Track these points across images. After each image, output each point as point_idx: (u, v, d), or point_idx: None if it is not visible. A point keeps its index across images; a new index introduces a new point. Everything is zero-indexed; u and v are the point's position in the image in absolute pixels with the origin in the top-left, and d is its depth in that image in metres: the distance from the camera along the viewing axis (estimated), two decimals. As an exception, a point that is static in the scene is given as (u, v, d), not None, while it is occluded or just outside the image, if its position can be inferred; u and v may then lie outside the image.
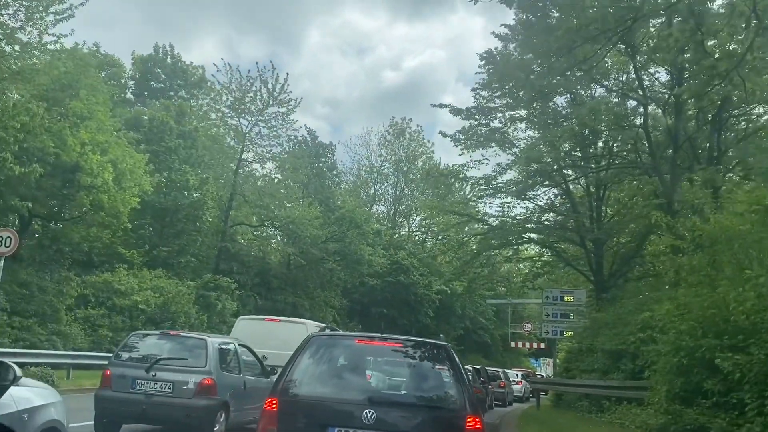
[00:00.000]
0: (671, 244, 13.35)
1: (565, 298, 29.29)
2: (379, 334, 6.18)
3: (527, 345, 60.30)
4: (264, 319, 15.07)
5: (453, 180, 26.15)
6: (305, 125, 69.70)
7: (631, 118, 20.17)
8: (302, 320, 15.22)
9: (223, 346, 10.47)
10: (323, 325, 16.32)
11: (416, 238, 61.43)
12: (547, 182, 24.06)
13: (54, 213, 24.06)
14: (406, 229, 63.10)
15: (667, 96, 18.63)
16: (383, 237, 50.89)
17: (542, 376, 48.71)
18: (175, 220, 31.33)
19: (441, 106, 24.11)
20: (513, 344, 57.78)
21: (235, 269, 35.97)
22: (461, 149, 26.01)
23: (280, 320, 14.79)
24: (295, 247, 39.84)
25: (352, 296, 46.90)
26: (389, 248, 50.02)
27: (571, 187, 26.37)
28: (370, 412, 5.26)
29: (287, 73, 38.95)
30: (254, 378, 11.21)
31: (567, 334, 29.32)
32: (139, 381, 9.39)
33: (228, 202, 36.54)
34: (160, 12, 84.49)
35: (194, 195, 30.67)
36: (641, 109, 19.27)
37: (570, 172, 24.86)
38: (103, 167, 21.60)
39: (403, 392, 5.90)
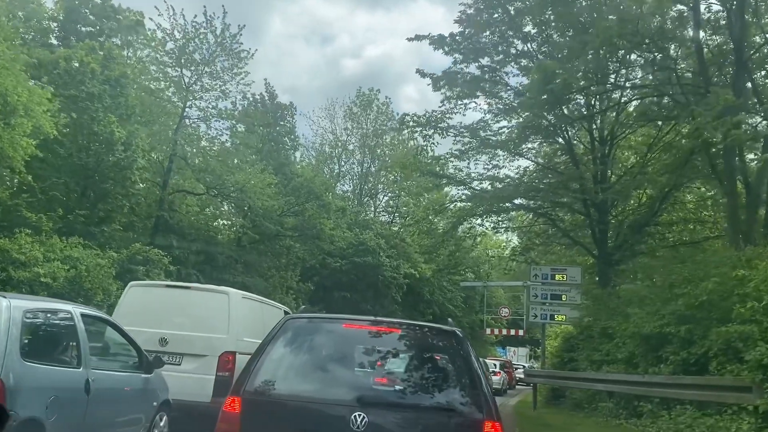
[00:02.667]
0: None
1: (557, 277, 25.21)
2: (372, 317, 5.45)
3: (496, 332, 56.52)
4: (166, 286, 11.07)
5: (432, 131, 21.61)
6: (265, 79, 64.62)
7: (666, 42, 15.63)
8: (223, 288, 10.90)
9: (37, 316, 5.91)
10: (252, 295, 11.73)
11: (383, 218, 57.25)
12: (555, 119, 19.58)
13: None
14: (373, 209, 58.75)
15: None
16: (348, 215, 46.60)
17: (525, 367, 44.98)
18: (98, 181, 26.18)
19: (419, 38, 19.37)
20: (489, 331, 53.85)
21: (174, 243, 31.08)
22: (442, 99, 21.64)
23: (190, 287, 10.69)
24: (246, 219, 35.08)
25: (313, 278, 42.44)
26: (354, 228, 45.83)
27: (573, 140, 22.06)
28: (360, 415, 4.27)
29: (243, 25, 33.51)
30: (117, 374, 7.16)
31: (559, 318, 25.32)
32: None
33: (167, 165, 31.52)
34: None
35: (121, 151, 25.52)
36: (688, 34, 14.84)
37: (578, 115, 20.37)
38: (-21, 95, 16.56)
39: (403, 391, 4.79)
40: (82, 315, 6.54)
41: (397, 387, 4.85)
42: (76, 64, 25.70)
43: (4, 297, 5.52)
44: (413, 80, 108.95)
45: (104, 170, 25.97)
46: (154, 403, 7.72)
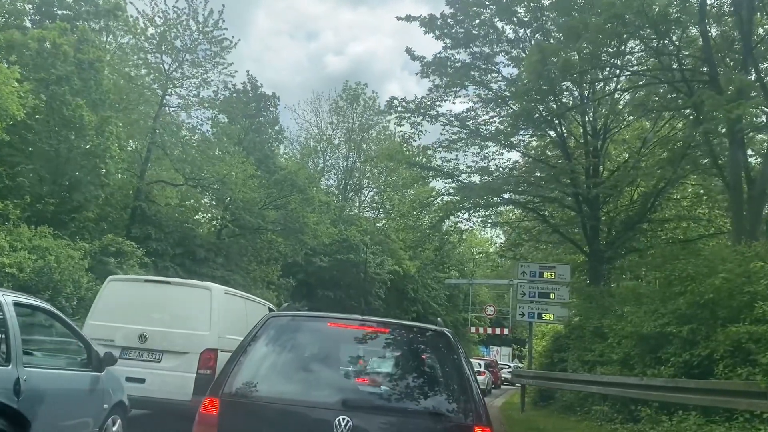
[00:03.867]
0: None
1: (545, 275, 24.47)
2: (359, 317, 4.98)
3: (480, 330, 55.88)
4: (145, 281, 10.75)
5: (421, 118, 20.81)
6: (248, 71, 63.66)
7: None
8: (205, 283, 10.44)
9: None
10: (235, 291, 11.34)
11: (368, 214, 56.43)
12: (547, 111, 18.82)
13: None
14: (358, 204, 57.89)
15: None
16: (332, 210, 45.73)
17: (511, 366, 44.42)
18: (69, 169, 25.08)
19: (409, 18, 18.50)
20: (474, 330, 53.18)
21: (152, 235, 30.06)
22: (430, 87, 20.85)
23: (170, 282, 10.38)
24: (226, 212, 34.12)
25: (296, 275, 41.53)
26: (339, 224, 44.98)
27: (564, 134, 21.31)
28: (344, 419, 4.06)
29: (223, 5, 32.44)
30: (58, 373, 6.27)
31: (546, 316, 24.61)
32: None
33: (145, 155, 30.51)
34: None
35: (92, 136, 24.43)
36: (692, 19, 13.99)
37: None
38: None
39: (389, 394, 4.53)
40: (15, 304, 5.60)
41: (384, 390, 4.59)
42: (48, 45, 24.58)
43: None
44: (396, 78, 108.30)
45: (76, 157, 24.91)
46: (105, 406, 6.90)
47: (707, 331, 10.48)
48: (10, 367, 5.27)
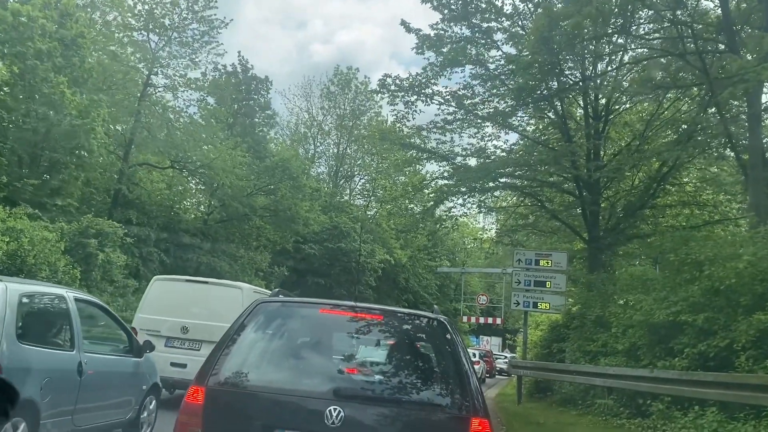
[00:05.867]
0: None
1: (542, 262, 23.63)
2: (352, 303, 4.82)
3: (473, 320, 55.19)
4: (186, 281, 12.41)
5: (415, 98, 19.87)
6: (239, 51, 62.46)
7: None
8: (236, 283, 12.39)
9: (32, 299, 6.20)
10: (261, 289, 12.89)
11: (359, 202, 55.55)
12: (549, 91, 17.91)
13: None
14: (348, 192, 56.91)
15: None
16: (323, 197, 44.85)
17: (507, 357, 43.75)
18: (49, 148, 24.03)
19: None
20: (466, 319, 52.50)
21: (135, 219, 29.07)
22: (425, 66, 19.93)
23: (207, 282, 12.05)
24: (213, 198, 33.18)
25: (286, 263, 40.65)
26: (329, 211, 44.12)
27: (565, 115, 20.41)
28: (335, 409, 3.88)
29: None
30: (108, 358, 7.32)
31: (542, 305, 23.81)
32: None
33: (129, 136, 29.47)
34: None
35: (75, 116, 23.36)
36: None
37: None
38: None
39: (383, 383, 4.31)
40: (75, 299, 6.71)
41: (378, 379, 4.40)
42: (24, 19, 23.46)
43: (0, 281, 5.73)
44: (384, 68, 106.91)
45: (55, 137, 23.87)
46: (144, 387, 7.92)
47: (725, 320, 9.70)
48: (74, 352, 6.34)
